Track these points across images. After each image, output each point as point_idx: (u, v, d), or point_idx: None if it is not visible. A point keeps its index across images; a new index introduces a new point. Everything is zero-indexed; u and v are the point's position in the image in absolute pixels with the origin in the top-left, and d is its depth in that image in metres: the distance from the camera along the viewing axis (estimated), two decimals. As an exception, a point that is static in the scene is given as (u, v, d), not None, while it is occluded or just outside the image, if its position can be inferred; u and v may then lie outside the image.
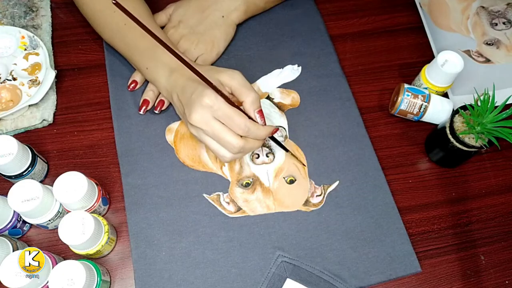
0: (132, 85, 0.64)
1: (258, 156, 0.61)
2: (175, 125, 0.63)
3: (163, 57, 0.57)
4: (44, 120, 0.62)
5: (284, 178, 0.60)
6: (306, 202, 0.59)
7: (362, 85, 0.69)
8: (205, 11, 0.67)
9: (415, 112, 0.63)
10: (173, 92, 0.56)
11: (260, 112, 0.53)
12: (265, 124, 0.53)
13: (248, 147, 0.52)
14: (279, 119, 0.64)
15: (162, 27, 0.67)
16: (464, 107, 0.59)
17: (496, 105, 0.57)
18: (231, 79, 0.53)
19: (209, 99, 0.50)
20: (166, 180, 0.59)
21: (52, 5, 0.72)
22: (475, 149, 0.58)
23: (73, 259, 0.47)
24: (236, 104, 0.52)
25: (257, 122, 0.52)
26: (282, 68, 0.68)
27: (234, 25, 0.69)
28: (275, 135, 0.62)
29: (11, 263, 0.46)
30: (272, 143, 0.62)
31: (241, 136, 0.51)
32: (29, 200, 0.50)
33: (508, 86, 0.68)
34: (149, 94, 0.63)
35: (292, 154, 0.61)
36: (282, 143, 0.61)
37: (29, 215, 0.51)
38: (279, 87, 0.67)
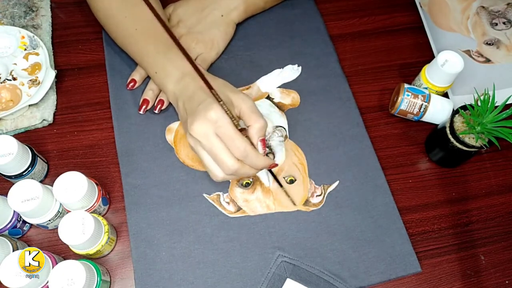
0: (131, 84, 0.64)
1: (258, 156, 0.61)
2: (175, 125, 0.63)
3: (173, 62, 0.57)
4: (44, 120, 0.62)
5: (284, 178, 0.60)
6: (306, 202, 0.59)
7: (362, 85, 0.69)
8: (204, 10, 0.67)
9: (415, 112, 0.63)
10: (179, 98, 0.55)
11: (263, 141, 0.52)
12: (265, 155, 0.52)
13: (242, 172, 0.51)
14: (279, 119, 0.64)
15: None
16: (464, 107, 0.59)
17: (496, 105, 0.57)
18: (242, 102, 0.52)
19: (215, 114, 0.49)
20: (166, 180, 0.59)
21: (52, 5, 0.72)
22: (475, 149, 0.58)
23: (73, 259, 0.47)
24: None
25: (258, 151, 0.52)
26: (282, 68, 0.68)
27: (233, 24, 0.69)
28: (274, 140, 0.62)
29: (11, 263, 0.46)
30: (272, 143, 0.62)
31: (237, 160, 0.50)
32: (29, 200, 0.50)
33: (508, 86, 0.68)
34: (149, 94, 0.63)
35: (285, 191, 0.59)
36: (279, 147, 0.61)
37: (29, 215, 0.51)
38: (279, 87, 0.67)
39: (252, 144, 0.51)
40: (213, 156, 0.50)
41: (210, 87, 0.50)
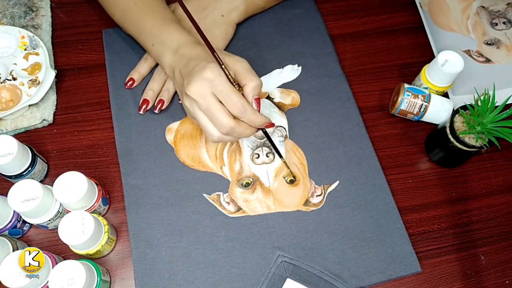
0: (130, 82, 0.64)
1: (258, 156, 0.61)
2: (175, 125, 0.63)
3: (170, 35, 0.58)
4: (44, 120, 0.62)
5: (284, 178, 0.60)
6: (306, 202, 0.59)
7: (362, 85, 0.69)
8: (205, 10, 0.67)
9: (415, 112, 0.63)
10: (176, 68, 0.56)
11: (258, 100, 0.53)
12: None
13: (238, 131, 0.52)
14: (279, 119, 0.64)
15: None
16: (464, 107, 0.59)
17: (496, 105, 0.57)
18: (236, 63, 0.53)
19: (211, 73, 0.50)
20: (166, 180, 0.59)
21: (52, 5, 0.72)
22: (475, 149, 0.58)
23: (73, 259, 0.47)
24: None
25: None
26: (282, 68, 0.68)
27: (233, 24, 0.69)
28: (274, 140, 0.62)
29: (11, 263, 0.46)
30: (272, 143, 0.62)
31: (234, 119, 0.51)
32: (29, 200, 0.50)
33: (508, 86, 0.68)
34: (149, 94, 0.63)
35: (285, 162, 0.60)
36: (279, 147, 0.61)
37: (29, 215, 0.51)
38: (279, 87, 0.67)
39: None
40: (209, 115, 0.51)
41: (212, 50, 0.51)
